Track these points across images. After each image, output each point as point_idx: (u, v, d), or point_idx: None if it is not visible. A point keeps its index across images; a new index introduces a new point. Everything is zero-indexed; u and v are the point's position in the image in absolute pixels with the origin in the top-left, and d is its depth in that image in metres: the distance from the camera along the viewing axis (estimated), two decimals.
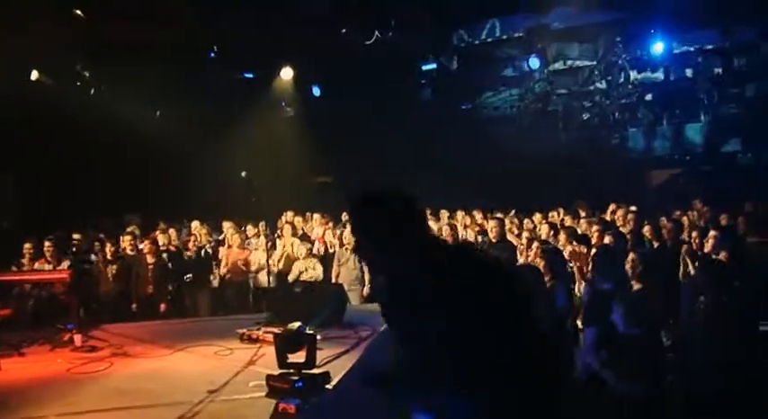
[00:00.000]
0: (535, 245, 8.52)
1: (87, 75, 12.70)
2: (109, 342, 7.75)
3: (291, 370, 5.54)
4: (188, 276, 11.17)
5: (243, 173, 8.62)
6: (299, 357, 5.68)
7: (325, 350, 6.74)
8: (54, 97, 13.75)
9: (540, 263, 7.50)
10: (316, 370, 5.63)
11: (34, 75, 13.73)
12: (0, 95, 12.16)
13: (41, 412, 5.54)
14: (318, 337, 6.07)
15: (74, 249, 10.29)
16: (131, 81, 13.68)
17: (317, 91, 15.32)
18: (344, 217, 13.77)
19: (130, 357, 7.26)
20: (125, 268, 10.67)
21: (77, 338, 7.72)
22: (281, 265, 11.59)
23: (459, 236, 11.62)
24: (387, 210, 2.91)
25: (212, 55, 13.97)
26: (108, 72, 13.30)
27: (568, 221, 11.49)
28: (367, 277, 11.12)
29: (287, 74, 14.46)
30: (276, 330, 7.63)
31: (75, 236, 11.08)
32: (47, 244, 10.37)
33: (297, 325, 5.75)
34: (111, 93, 14.12)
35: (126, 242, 11.19)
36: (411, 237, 2.89)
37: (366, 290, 11.16)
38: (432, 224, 12.10)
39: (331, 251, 12.01)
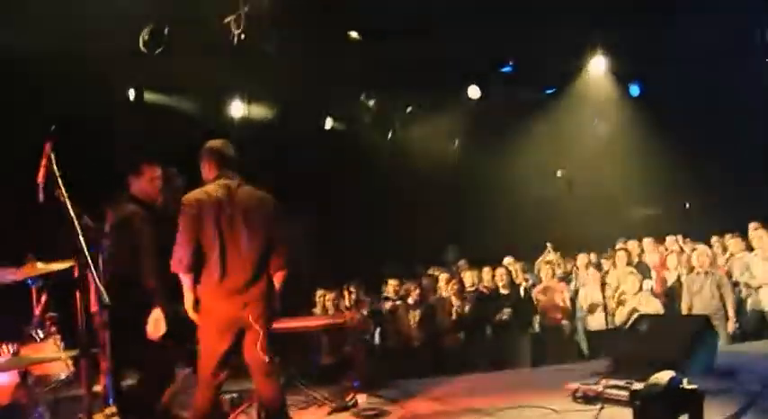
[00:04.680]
0: None
1: (371, 104, 11.68)
2: (401, 404, 6.13)
3: None
4: (505, 313, 9.18)
5: (558, 173, 6.61)
6: None
7: None
8: (349, 141, 13.20)
9: None
10: None
11: (329, 123, 13.20)
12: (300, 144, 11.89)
13: None
14: None
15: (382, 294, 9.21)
16: (420, 107, 12.52)
17: (635, 90, 12.53)
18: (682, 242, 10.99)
19: None
20: (428, 313, 9.11)
21: (361, 399, 6.21)
22: (615, 303, 9.26)
23: None
24: None
25: (507, 69, 12.18)
26: (391, 96, 12.20)
27: None
28: (731, 310, 8.41)
29: (597, 67, 11.83)
30: (621, 383, 5.51)
31: (391, 281, 9.87)
32: (327, 296, 9.11)
33: (667, 375, 3.53)
34: (402, 126, 13.08)
35: (442, 281, 9.74)
36: None
37: (732, 326, 8.42)
38: None
39: (671, 281, 9.41)
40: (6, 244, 4.46)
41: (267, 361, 4.37)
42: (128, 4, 7.67)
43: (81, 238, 2.99)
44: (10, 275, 3.88)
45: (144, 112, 10.30)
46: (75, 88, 8.42)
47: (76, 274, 2.95)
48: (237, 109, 11.56)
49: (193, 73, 9.71)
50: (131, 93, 10.12)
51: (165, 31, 7.87)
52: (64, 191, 3.07)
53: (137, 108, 10.27)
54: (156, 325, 4.64)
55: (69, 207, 3.04)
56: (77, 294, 2.89)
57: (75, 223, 3.02)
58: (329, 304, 9.04)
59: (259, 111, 11.94)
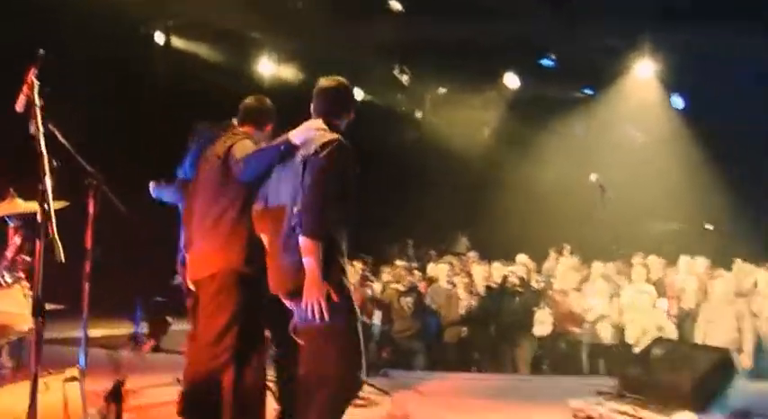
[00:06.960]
0: None
1: (405, 80, 11.19)
2: (391, 396, 5.78)
3: None
4: (462, 331, 8.79)
5: (592, 177, 6.15)
6: None
7: None
8: (377, 115, 12.85)
9: None
10: None
11: (359, 94, 12.87)
12: None
13: None
14: None
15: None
16: (454, 92, 12.13)
17: (678, 102, 11.91)
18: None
19: None
20: (422, 302, 8.76)
21: None
22: (626, 318, 8.81)
23: None
24: None
25: (549, 62, 11.65)
26: (426, 74, 11.73)
27: None
28: (750, 342, 7.93)
29: (643, 72, 11.13)
30: (630, 410, 5.16)
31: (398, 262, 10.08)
32: None
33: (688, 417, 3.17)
34: (433, 106, 12.70)
35: (440, 271, 9.40)
36: None
37: (747, 361, 7.94)
38: None
39: (691, 307, 8.91)
40: None
41: None
42: None
43: (47, 179, 2.56)
44: None
45: (173, 58, 10.00)
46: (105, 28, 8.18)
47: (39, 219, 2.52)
48: (266, 65, 11.22)
49: (222, 21, 9.40)
50: (160, 37, 9.79)
51: None
52: (41, 124, 2.66)
53: (165, 52, 9.97)
54: None
55: (42, 143, 2.62)
56: (36, 242, 2.47)
57: (45, 162, 2.59)
58: None
59: (288, 72, 11.61)
